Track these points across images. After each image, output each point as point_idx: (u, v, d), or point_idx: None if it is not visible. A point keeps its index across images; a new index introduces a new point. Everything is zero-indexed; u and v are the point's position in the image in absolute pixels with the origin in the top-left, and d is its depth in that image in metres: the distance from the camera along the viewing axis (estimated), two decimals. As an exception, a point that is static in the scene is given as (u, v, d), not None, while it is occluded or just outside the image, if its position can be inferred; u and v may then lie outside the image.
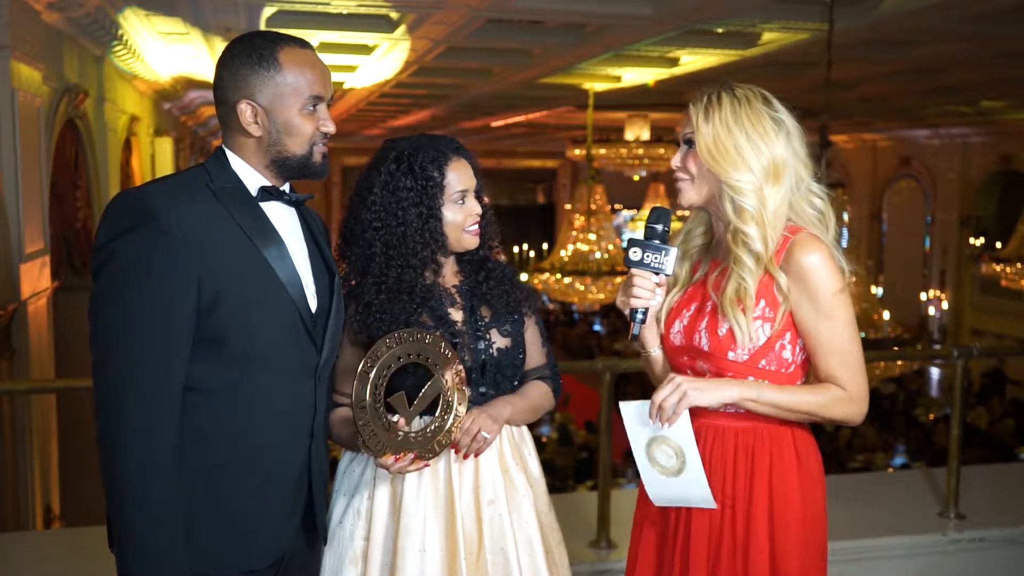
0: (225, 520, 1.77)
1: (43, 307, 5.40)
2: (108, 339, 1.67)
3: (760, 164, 1.88)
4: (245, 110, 1.76)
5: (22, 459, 5.00)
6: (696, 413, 1.96)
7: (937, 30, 6.29)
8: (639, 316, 1.94)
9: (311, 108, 1.79)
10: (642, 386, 15.70)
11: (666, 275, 1.94)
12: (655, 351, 2.06)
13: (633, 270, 1.94)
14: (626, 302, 1.95)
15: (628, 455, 10.26)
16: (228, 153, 1.81)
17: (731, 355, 1.90)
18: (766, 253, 1.88)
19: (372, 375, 1.83)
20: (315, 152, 1.82)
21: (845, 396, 1.91)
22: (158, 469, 1.66)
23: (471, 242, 2.10)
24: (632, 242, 1.94)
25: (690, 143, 1.93)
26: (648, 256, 1.92)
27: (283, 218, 1.84)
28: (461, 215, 2.07)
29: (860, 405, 1.92)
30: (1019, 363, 12.93)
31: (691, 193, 1.95)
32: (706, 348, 1.92)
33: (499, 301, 2.13)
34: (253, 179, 1.81)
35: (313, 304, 1.85)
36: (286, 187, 1.87)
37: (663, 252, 1.92)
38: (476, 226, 2.10)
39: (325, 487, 1.98)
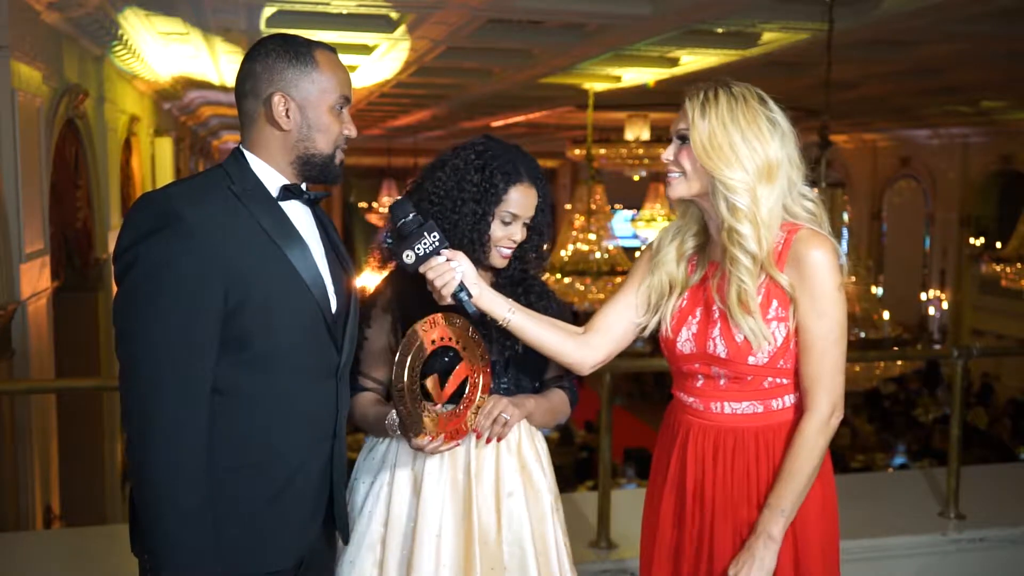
0: (250, 521, 1.77)
1: (43, 307, 5.40)
2: (135, 342, 1.67)
3: (754, 163, 1.86)
4: (279, 103, 1.77)
5: (22, 459, 5.00)
6: (710, 417, 1.97)
7: (937, 30, 6.29)
8: (463, 295, 1.90)
9: (339, 108, 1.82)
10: (640, 385, 15.70)
11: (444, 247, 1.89)
12: (511, 317, 1.98)
13: (420, 269, 1.90)
14: (443, 296, 1.90)
15: (628, 455, 10.29)
16: (247, 154, 1.82)
17: (751, 360, 1.90)
18: (761, 253, 1.87)
19: (410, 358, 1.88)
20: (337, 154, 1.84)
21: (819, 424, 1.88)
22: (188, 471, 1.66)
23: (497, 260, 2.10)
24: (396, 251, 1.90)
25: (683, 138, 1.91)
26: (419, 247, 1.88)
27: (301, 218, 1.85)
28: (500, 232, 2.08)
29: (837, 415, 1.90)
30: (1011, 364, 12.94)
31: (682, 187, 1.94)
32: (723, 355, 1.91)
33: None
34: (273, 179, 1.81)
35: (334, 304, 1.86)
36: (303, 187, 1.88)
37: (424, 233, 1.88)
38: (508, 250, 2.10)
39: (345, 487, 1.99)
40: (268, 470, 1.78)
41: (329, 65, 1.81)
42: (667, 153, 1.96)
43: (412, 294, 2.06)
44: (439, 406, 1.97)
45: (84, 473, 6.50)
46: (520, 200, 2.08)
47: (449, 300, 1.91)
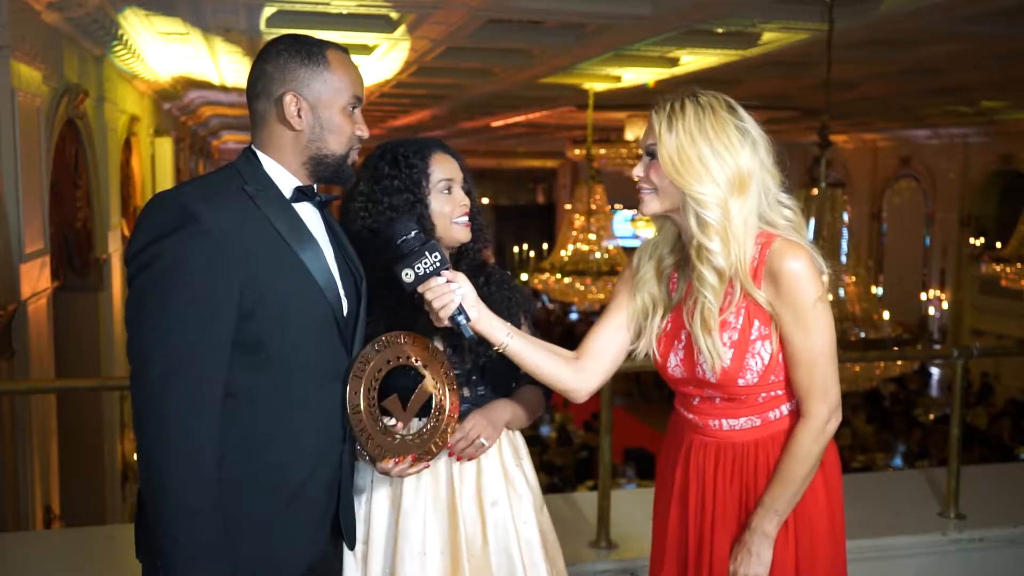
0: (264, 525, 1.76)
1: (43, 307, 5.40)
2: (149, 342, 1.65)
3: (725, 176, 1.82)
4: (291, 103, 1.76)
5: (22, 459, 4.99)
6: (711, 433, 1.97)
7: (937, 30, 6.29)
8: (460, 319, 1.84)
9: (351, 109, 1.81)
10: (640, 385, 15.69)
11: (445, 268, 1.83)
12: (508, 342, 1.92)
13: (419, 289, 1.83)
14: (440, 318, 1.84)
15: (628, 455, 10.29)
16: (259, 154, 1.81)
17: (741, 382, 1.89)
18: (729, 269, 1.84)
19: (364, 380, 1.84)
20: (351, 155, 1.83)
21: (813, 431, 1.87)
22: (199, 474, 1.65)
23: (462, 233, 2.09)
24: (400, 268, 1.84)
25: (652, 154, 1.87)
26: (420, 267, 1.82)
27: (311, 220, 1.84)
28: (449, 205, 2.07)
29: (834, 421, 1.89)
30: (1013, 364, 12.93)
31: (654, 204, 1.90)
32: (713, 380, 1.90)
33: (500, 305, 2.12)
34: (286, 180, 1.80)
35: (345, 307, 1.85)
36: (314, 188, 1.87)
37: (426, 252, 1.82)
38: (465, 217, 2.09)
39: (352, 490, 1.98)
40: (282, 473, 1.77)
41: (341, 65, 1.79)
42: (637, 169, 1.92)
43: (376, 310, 2.01)
44: (402, 427, 1.92)
45: (84, 473, 6.49)
46: (444, 165, 2.08)
47: (446, 323, 1.85)
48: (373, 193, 2.06)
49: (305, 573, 1.84)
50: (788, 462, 1.88)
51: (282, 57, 1.77)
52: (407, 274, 1.83)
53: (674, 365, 1.97)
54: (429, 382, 1.93)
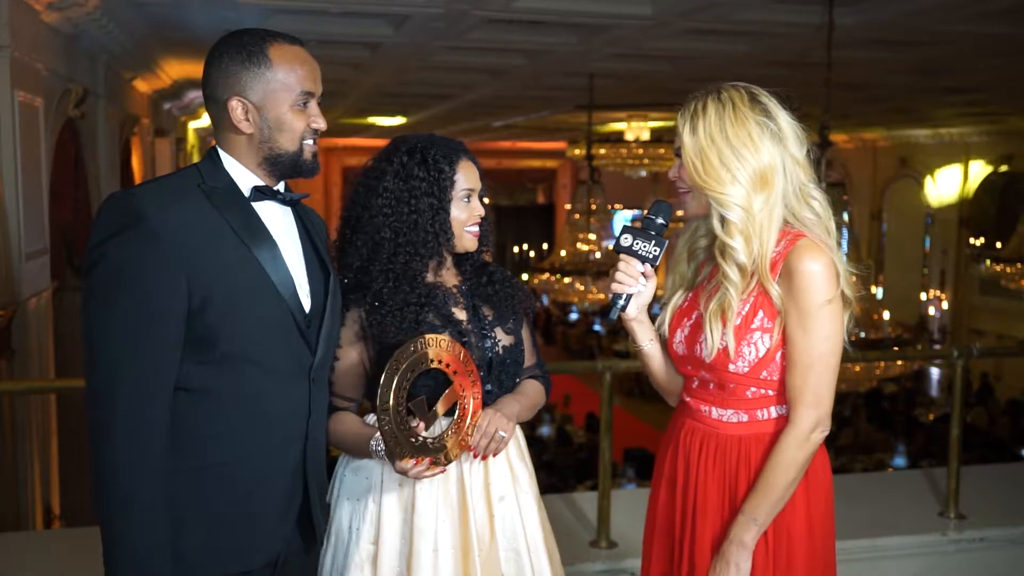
0: (216, 521, 1.76)
1: (43, 307, 5.40)
2: (97, 340, 1.67)
3: (746, 174, 1.83)
4: (236, 107, 1.75)
5: (22, 459, 5.00)
6: (700, 419, 1.98)
7: (937, 30, 6.29)
8: (620, 303, 1.94)
9: (302, 105, 1.78)
10: (641, 384, 15.67)
11: (652, 265, 1.93)
12: (646, 345, 2.05)
13: (621, 255, 1.93)
14: (611, 288, 1.96)
15: (628, 455, 10.29)
16: (221, 152, 1.81)
17: (732, 368, 1.88)
18: (750, 264, 1.85)
19: (397, 379, 1.83)
20: (305, 149, 1.81)
21: (798, 438, 1.85)
22: (147, 471, 1.66)
23: (470, 242, 2.12)
24: (625, 228, 1.94)
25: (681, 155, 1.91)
26: (637, 244, 1.92)
27: (276, 218, 1.83)
28: (465, 213, 2.09)
29: (820, 430, 1.87)
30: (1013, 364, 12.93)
31: (692, 204, 1.94)
32: (708, 360, 1.90)
33: (503, 302, 2.15)
34: (246, 178, 1.80)
35: (307, 304, 1.84)
36: (280, 186, 1.86)
37: (652, 242, 1.91)
38: (477, 227, 2.11)
39: (323, 489, 1.97)
40: (235, 470, 1.77)
41: (286, 62, 1.76)
42: (672, 170, 1.95)
43: (388, 304, 2.02)
44: (424, 428, 1.91)
45: (84, 473, 6.46)
46: (468, 173, 2.10)
47: (611, 292, 1.95)
48: (401, 193, 2.06)
49: (267, 567, 1.84)
50: (770, 470, 1.87)
51: (223, 61, 1.75)
52: (625, 238, 1.93)
53: (678, 341, 1.99)
54: (457, 389, 1.94)
